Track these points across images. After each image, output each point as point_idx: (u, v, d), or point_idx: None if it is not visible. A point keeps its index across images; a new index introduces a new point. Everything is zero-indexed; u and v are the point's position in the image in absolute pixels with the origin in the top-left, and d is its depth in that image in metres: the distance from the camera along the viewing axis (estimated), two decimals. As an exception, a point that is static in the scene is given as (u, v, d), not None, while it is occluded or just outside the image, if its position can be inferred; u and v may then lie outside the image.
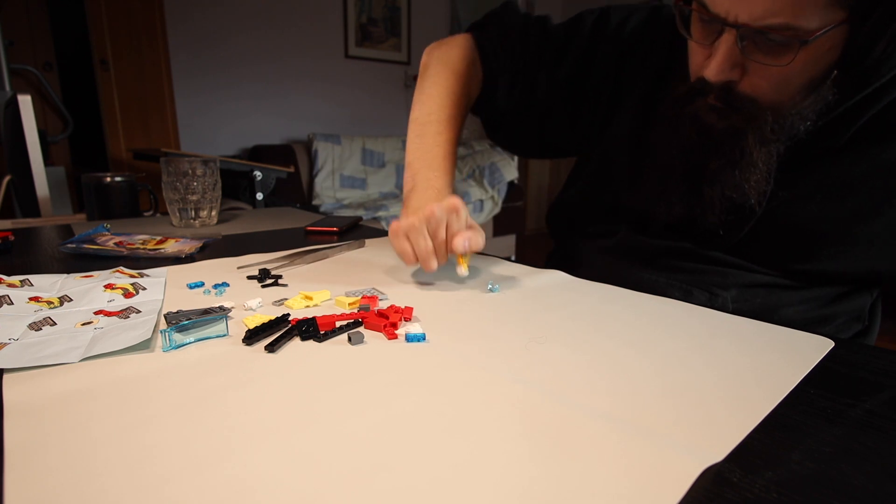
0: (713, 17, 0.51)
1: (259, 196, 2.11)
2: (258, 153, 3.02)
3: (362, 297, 0.50)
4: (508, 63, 0.74)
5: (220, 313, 0.44)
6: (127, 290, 0.51)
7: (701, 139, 0.58)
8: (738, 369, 0.37)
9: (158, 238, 0.75)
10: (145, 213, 1.20)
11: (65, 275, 0.57)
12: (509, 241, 3.52)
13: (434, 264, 0.55)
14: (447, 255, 0.57)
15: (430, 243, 0.55)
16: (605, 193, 0.73)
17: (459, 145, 0.79)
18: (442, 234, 0.56)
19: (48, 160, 2.32)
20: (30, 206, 1.38)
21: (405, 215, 0.58)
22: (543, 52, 0.73)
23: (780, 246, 0.61)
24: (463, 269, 0.57)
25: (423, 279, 0.59)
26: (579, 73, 0.71)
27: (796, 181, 0.58)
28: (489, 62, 0.74)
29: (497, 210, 3.32)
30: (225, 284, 0.55)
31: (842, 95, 0.54)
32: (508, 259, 0.70)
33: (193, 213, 0.92)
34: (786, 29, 0.47)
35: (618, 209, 0.71)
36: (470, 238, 0.55)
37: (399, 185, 3.40)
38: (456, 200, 0.56)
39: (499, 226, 3.37)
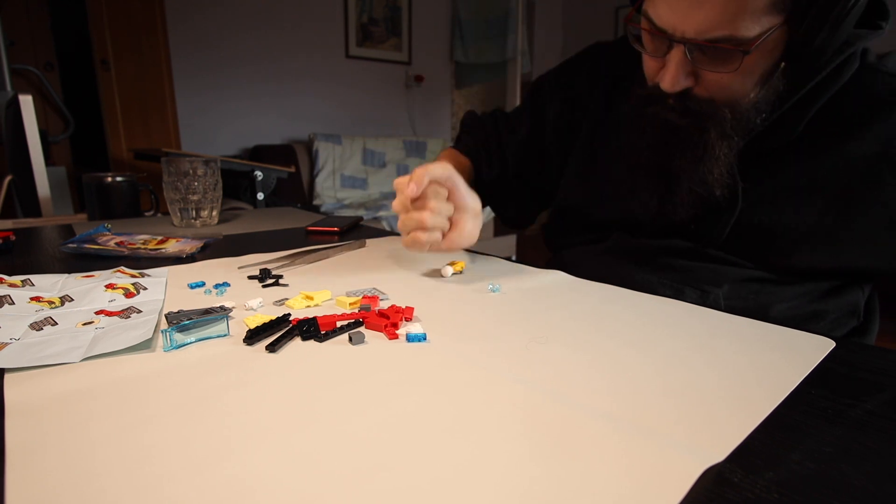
0: (661, 33, 0.55)
1: (260, 196, 2.11)
2: (259, 153, 3.03)
3: (363, 297, 0.50)
4: (480, 142, 0.85)
5: (221, 313, 0.45)
6: (128, 289, 0.51)
7: (665, 136, 0.61)
8: (738, 369, 0.37)
9: (159, 238, 0.75)
10: (146, 213, 1.20)
11: (66, 275, 0.57)
12: (510, 241, 3.52)
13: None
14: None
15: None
16: (584, 204, 0.76)
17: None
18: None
19: (49, 160, 2.32)
20: (31, 205, 1.38)
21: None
22: (501, 125, 0.85)
23: (762, 243, 0.62)
24: (448, 270, 0.60)
25: (424, 279, 0.59)
26: (535, 125, 0.81)
27: (763, 176, 0.61)
28: (466, 150, 0.86)
29: (498, 210, 3.32)
30: (226, 284, 0.55)
31: (792, 85, 0.57)
32: (509, 259, 0.70)
33: (194, 213, 0.92)
34: (728, 40, 0.51)
35: (600, 217, 0.74)
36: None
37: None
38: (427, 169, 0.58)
39: (499, 226, 3.36)
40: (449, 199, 0.60)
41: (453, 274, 0.60)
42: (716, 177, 0.60)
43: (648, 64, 0.61)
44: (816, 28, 0.51)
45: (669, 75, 0.56)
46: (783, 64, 0.55)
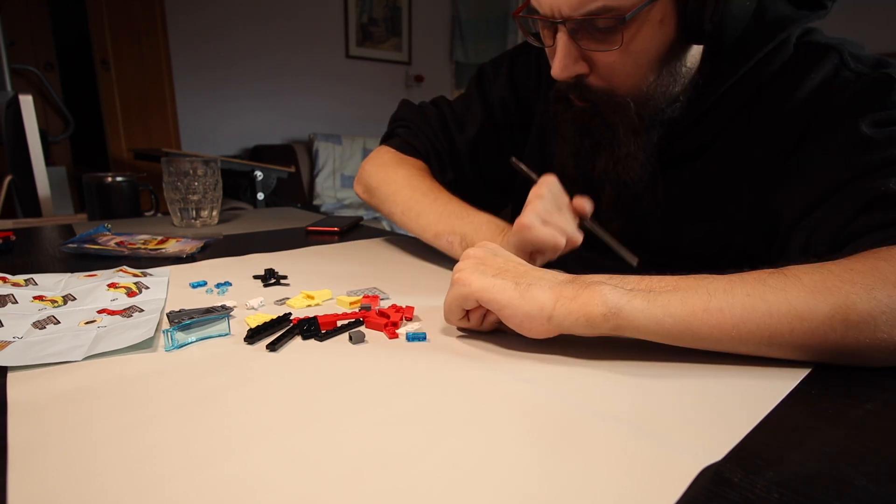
0: (545, 19, 0.52)
1: (260, 196, 2.12)
2: (259, 153, 3.03)
3: (363, 297, 0.51)
4: (429, 146, 0.77)
5: (223, 312, 0.45)
6: (130, 289, 0.51)
7: (583, 140, 0.58)
8: (738, 369, 0.37)
9: (159, 238, 0.75)
10: (146, 213, 1.20)
11: (69, 274, 0.57)
12: (510, 241, 3.52)
13: (580, 237, 0.55)
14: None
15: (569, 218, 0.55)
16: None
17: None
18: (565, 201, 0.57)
19: (49, 160, 2.32)
20: (31, 205, 1.38)
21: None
22: (448, 122, 0.76)
23: (694, 247, 0.59)
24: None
25: (424, 279, 0.59)
26: (486, 116, 0.75)
27: (686, 171, 0.57)
28: (415, 152, 0.77)
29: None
30: (227, 284, 0.55)
31: (712, 78, 0.53)
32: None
33: (194, 213, 0.92)
34: (605, 11, 0.48)
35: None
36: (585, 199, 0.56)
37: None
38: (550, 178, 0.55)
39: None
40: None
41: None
42: (632, 176, 0.56)
43: (550, 59, 0.56)
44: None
45: (557, 60, 0.52)
46: (692, 49, 0.52)
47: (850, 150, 0.47)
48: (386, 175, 0.73)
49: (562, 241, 0.53)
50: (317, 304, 0.50)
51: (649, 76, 0.53)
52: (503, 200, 0.83)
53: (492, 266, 0.41)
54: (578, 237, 0.55)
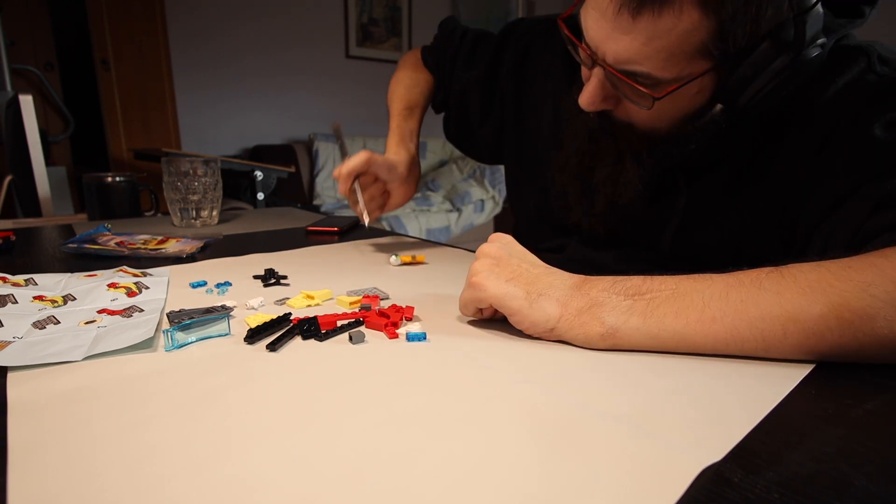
0: (586, 51, 0.51)
1: (260, 196, 2.12)
2: (259, 153, 3.03)
3: (364, 297, 0.51)
4: (435, 66, 0.87)
5: (223, 312, 0.45)
6: (130, 289, 0.51)
7: (590, 145, 0.59)
8: (738, 368, 0.37)
9: (159, 238, 0.75)
10: (146, 213, 1.20)
11: (69, 274, 0.57)
12: (510, 241, 3.52)
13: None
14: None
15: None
16: (532, 203, 0.75)
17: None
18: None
19: (49, 160, 2.32)
20: (31, 205, 1.38)
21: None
22: (458, 56, 0.83)
23: (710, 257, 0.57)
24: (394, 259, 0.67)
25: (424, 278, 0.59)
26: (486, 75, 0.79)
27: (706, 187, 0.57)
28: (427, 65, 0.88)
29: (498, 210, 3.33)
30: (227, 284, 0.55)
31: (738, 121, 0.51)
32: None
33: (194, 212, 0.92)
34: (647, 77, 0.47)
35: (550, 221, 0.71)
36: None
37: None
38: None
39: (500, 225, 3.37)
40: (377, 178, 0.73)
41: (401, 264, 0.66)
42: (625, 200, 0.57)
43: (582, 71, 0.56)
44: (744, 83, 0.46)
45: (586, 94, 0.52)
46: (719, 107, 0.50)
47: (864, 153, 0.46)
48: (398, 74, 0.89)
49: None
50: (317, 304, 0.50)
51: (672, 128, 0.53)
52: (480, 153, 0.88)
53: (506, 269, 0.43)
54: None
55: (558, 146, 0.65)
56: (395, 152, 0.76)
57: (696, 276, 0.40)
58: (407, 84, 0.86)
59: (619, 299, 0.40)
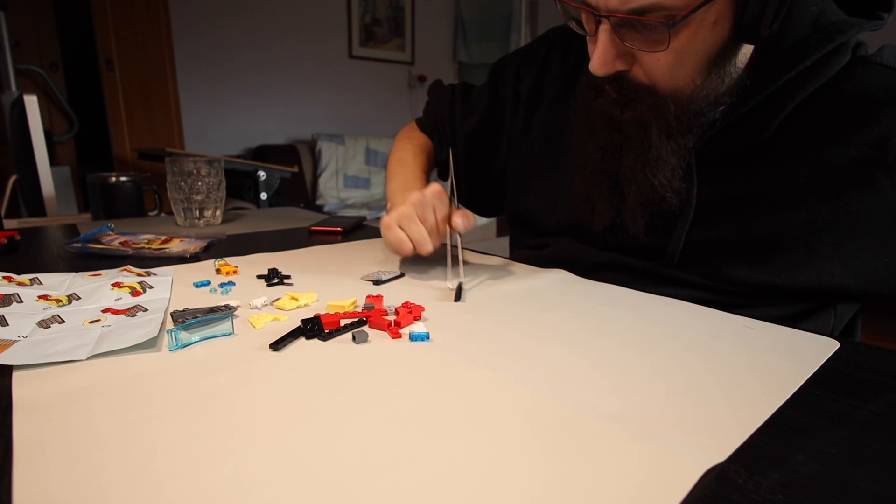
0: (588, 10, 0.49)
1: (263, 196, 2.12)
2: (262, 153, 3.04)
3: (367, 297, 0.51)
4: (434, 126, 0.85)
5: (226, 312, 0.45)
6: (134, 288, 0.51)
7: (612, 135, 0.56)
8: (741, 370, 0.37)
9: (163, 237, 0.76)
10: (150, 213, 1.21)
11: (73, 273, 0.57)
12: (512, 241, 3.52)
13: (430, 247, 0.58)
14: (440, 238, 0.60)
15: (422, 228, 0.57)
16: (535, 212, 0.72)
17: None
18: (431, 217, 0.58)
19: (54, 160, 2.33)
20: (35, 205, 1.39)
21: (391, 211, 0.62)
22: (458, 106, 0.82)
23: (722, 256, 0.56)
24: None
25: (423, 275, 0.59)
26: (487, 115, 0.78)
27: (727, 180, 0.55)
28: (425, 130, 0.87)
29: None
30: (231, 283, 0.55)
31: (760, 78, 0.50)
32: (511, 258, 0.70)
33: (198, 212, 0.92)
34: (656, 9, 0.44)
35: (554, 225, 0.69)
36: (465, 215, 0.58)
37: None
38: (437, 185, 0.58)
39: (501, 226, 3.37)
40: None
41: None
42: (661, 180, 0.53)
43: (589, 46, 0.54)
44: (762, 3, 0.44)
45: (597, 55, 0.49)
46: (743, 48, 0.49)
47: None
48: (395, 145, 0.86)
49: (407, 248, 0.57)
50: (305, 305, 0.49)
51: (696, 78, 0.50)
52: (492, 197, 0.85)
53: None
54: (426, 247, 0.57)
55: (571, 150, 0.62)
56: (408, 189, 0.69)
57: None
58: (401, 157, 0.81)
59: None
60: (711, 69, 0.50)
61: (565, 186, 0.65)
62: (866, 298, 0.59)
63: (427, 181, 0.75)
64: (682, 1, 0.44)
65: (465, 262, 0.64)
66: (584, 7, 0.49)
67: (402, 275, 0.54)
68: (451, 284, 0.56)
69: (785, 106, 0.51)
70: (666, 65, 0.49)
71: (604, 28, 0.48)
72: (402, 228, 0.57)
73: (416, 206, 0.57)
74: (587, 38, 0.54)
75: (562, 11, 0.54)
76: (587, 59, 0.56)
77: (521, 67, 0.76)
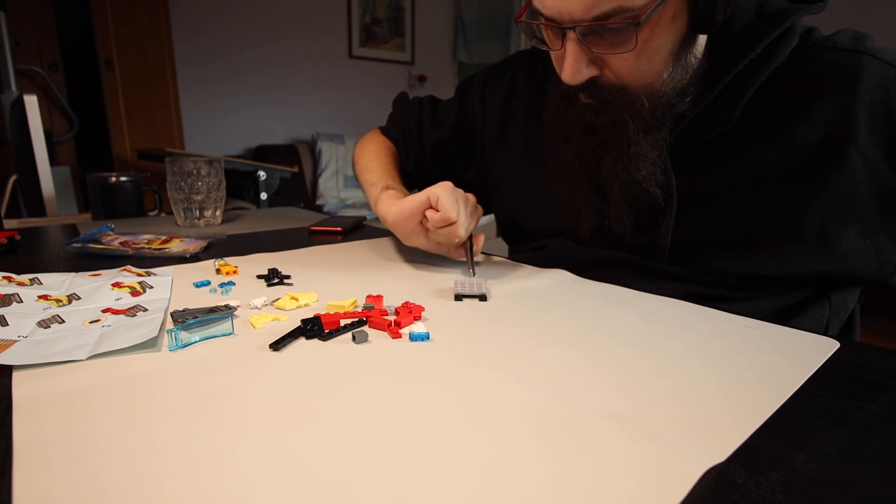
0: (552, 24, 0.51)
1: (263, 196, 2.12)
2: (262, 153, 3.04)
3: (367, 297, 0.51)
4: (400, 135, 0.86)
5: (226, 312, 0.45)
6: (134, 288, 0.51)
7: (588, 140, 0.57)
8: (741, 370, 0.37)
9: (163, 237, 0.76)
10: (150, 213, 1.21)
11: (73, 273, 0.57)
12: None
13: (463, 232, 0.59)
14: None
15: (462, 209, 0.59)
16: (524, 219, 0.74)
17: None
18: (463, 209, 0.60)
19: (54, 160, 2.33)
20: (35, 205, 1.39)
21: (391, 221, 0.62)
22: (426, 117, 0.84)
23: (707, 248, 0.57)
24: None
25: (426, 279, 0.59)
26: (456, 129, 0.80)
27: (700, 172, 0.57)
28: (390, 138, 0.88)
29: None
30: (231, 283, 0.55)
31: (720, 67, 0.53)
32: (511, 259, 0.70)
33: (198, 212, 0.92)
34: (619, 13, 0.47)
35: (543, 230, 0.71)
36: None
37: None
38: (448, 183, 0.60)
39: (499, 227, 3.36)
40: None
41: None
42: (644, 174, 0.55)
43: (555, 61, 0.56)
44: None
45: (567, 66, 0.51)
46: (700, 38, 0.52)
47: None
48: (362, 146, 0.87)
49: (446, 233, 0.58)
50: (306, 305, 0.49)
51: (663, 72, 0.52)
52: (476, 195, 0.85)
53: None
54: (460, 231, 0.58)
55: (547, 159, 0.64)
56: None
57: None
58: (377, 154, 0.83)
59: None
60: (675, 62, 0.52)
61: (547, 196, 0.67)
62: (858, 285, 0.60)
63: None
64: (642, 1, 0.46)
65: (464, 265, 0.64)
66: (548, 23, 0.51)
67: (484, 296, 0.51)
68: (470, 286, 0.54)
69: (744, 93, 0.54)
70: (634, 64, 0.51)
71: (570, 39, 0.51)
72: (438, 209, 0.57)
73: (451, 189, 0.58)
74: (552, 53, 0.56)
75: (525, 31, 0.57)
76: (553, 73, 0.59)
77: (486, 85, 0.79)
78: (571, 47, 0.51)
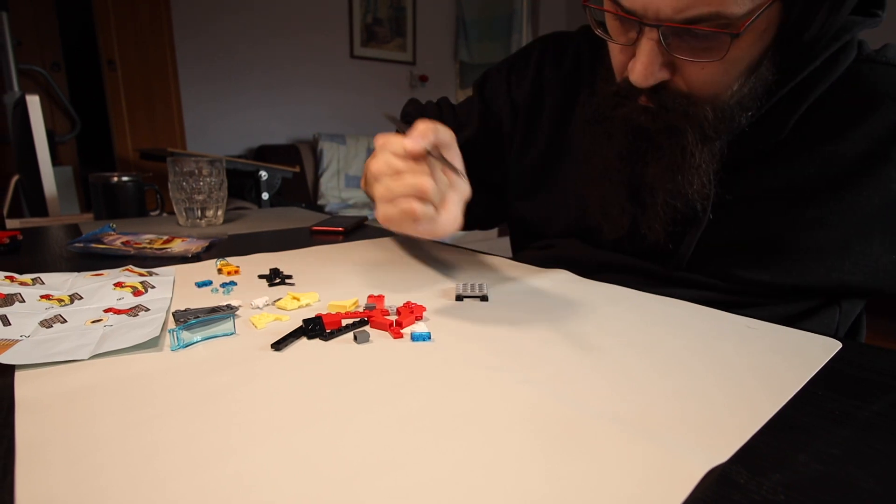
0: (633, 18, 0.46)
1: (265, 196, 2.12)
2: (264, 153, 3.04)
3: (369, 297, 0.51)
4: None
5: (228, 312, 0.45)
6: (136, 288, 0.51)
7: (636, 143, 0.54)
8: (743, 370, 0.37)
9: (165, 237, 0.76)
10: (152, 213, 1.21)
11: (75, 273, 0.57)
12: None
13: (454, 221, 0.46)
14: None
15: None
16: (540, 219, 0.71)
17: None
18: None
19: (56, 160, 2.34)
20: (38, 205, 1.39)
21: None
22: (447, 119, 0.77)
23: (730, 258, 0.56)
24: None
25: (428, 278, 0.59)
26: (481, 126, 0.75)
27: (741, 182, 0.55)
28: None
29: (501, 210, 3.32)
30: (232, 283, 0.55)
31: (781, 77, 0.50)
32: (513, 259, 0.70)
33: (199, 212, 0.92)
34: (715, 18, 0.42)
35: (560, 231, 0.68)
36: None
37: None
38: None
39: (503, 226, 3.36)
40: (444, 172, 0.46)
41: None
42: (696, 188, 0.52)
43: (615, 55, 0.52)
44: (814, 7, 0.44)
45: (641, 66, 0.47)
46: (771, 51, 0.48)
47: None
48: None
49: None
50: (307, 305, 0.49)
51: (734, 84, 0.49)
52: (497, 203, 0.82)
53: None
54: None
55: (582, 157, 0.60)
56: None
57: None
58: None
59: None
60: (749, 75, 0.49)
61: (572, 192, 0.64)
62: (875, 297, 0.59)
63: None
64: (742, 9, 0.42)
65: (465, 265, 0.64)
66: (627, 15, 0.46)
67: (486, 297, 0.48)
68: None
69: (799, 105, 0.52)
70: (711, 73, 0.47)
71: (649, 38, 0.46)
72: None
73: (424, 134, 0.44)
74: (613, 45, 0.52)
75: (589, 16, 0.52)
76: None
77: (511, 76, 0.74)
78: (648, 46, 0.46)
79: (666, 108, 0.51)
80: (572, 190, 0.64)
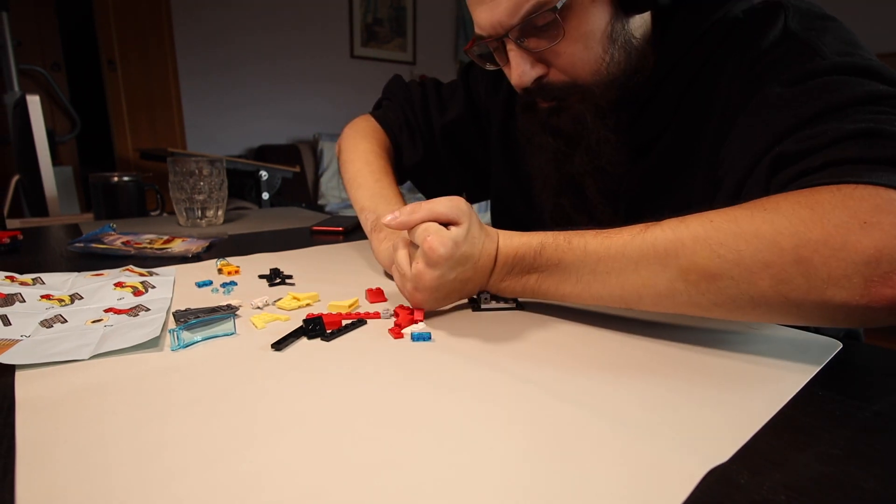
0: (491, 39, 0.53)
1: (265, 196, 2.12)
2: (264, 153, 3.04)
3: (367, 291, 0.51)
4: (402, 120, 0.80)
5: (228, 312, 0.45)
6: (136, 288, 0.51)
7: (557, 142, 0.58)
8: (744, 370, 0.37)
9: (165, 237, 0.76)
10: (152, 213, 1.21)
11: (76, 273, 0.57)
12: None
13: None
14: None
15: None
16: (518, 222, 0.74)
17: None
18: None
19: (56, 160, 2.33)
20: (38, 205, 1.39)
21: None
22: (431, 100, 0.80)
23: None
24: None
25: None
26: (468, 109, 0.78)
27: (650, 151, 0.57)
28: (388, 126, 0.80)
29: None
30: (233, 283, 0.55)
31: (665, 50, 0.54)
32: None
33: (200, 212, 0.92)
34: (539, 7, 0.48)
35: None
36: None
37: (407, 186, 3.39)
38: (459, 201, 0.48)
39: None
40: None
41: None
42: (609, 161, 0.56)
43: (508, 76, 0.58)
44: None
45: (514, 69, 0.53)
46: (638, 18, 0.52)
47: (765, 115, 0.45)
48: (353, 143, 0.77)
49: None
50: (307, 305, 0.49)
51: (604, 56, 0.53)
52: (479, 192, 0.84)
53: (443, 291, 0.45)
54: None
55: (532, 174, 0.65)
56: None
57: (578, 247, 0.42)
58: (367, 158, 0.73)
59: (517, 279, 0.45)
60: (612, 43, 0.53)
61: (538, 207, 0.67)
62: None
63: (399, 191, 0.70)
64: None
65: None
66: (487, 41, 0.53)
67: (516, 306, 0.49)
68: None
69: (688, 73, 0.54)
70: (573, 53, 0.52)
71: (510, 48, 0.53)
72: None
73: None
74: (504, 70, 0.57)
75: (476, 60, 0.60)
76: (514, 91, 0.59)
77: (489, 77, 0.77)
78: (513, 54, 0.53)
79: (563, 99, 0.56)
80: (535, 203, 0.67)
